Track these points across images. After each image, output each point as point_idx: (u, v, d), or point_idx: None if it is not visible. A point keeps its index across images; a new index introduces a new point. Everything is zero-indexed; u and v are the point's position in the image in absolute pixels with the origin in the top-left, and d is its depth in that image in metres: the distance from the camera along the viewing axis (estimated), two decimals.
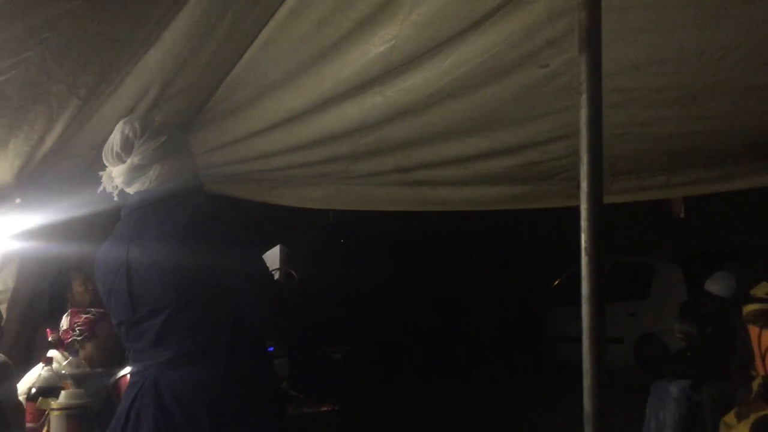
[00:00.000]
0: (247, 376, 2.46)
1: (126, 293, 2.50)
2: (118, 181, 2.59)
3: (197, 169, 2.69)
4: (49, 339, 3.86)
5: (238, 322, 2.47)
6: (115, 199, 2.64)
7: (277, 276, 2.74)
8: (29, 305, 4.27)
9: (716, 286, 6.16)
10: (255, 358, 2.53)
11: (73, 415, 3.04)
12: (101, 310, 3.95)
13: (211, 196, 2.66)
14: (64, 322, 3.84)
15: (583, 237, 2.38)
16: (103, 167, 2.66)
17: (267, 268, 2.57)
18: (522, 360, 13.34)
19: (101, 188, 2.64)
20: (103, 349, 3.79)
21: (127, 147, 2.56)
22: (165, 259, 2.42)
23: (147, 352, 2.50)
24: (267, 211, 4.94)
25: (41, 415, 3.19)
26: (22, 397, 3.48)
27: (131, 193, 2.60)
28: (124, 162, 2.57)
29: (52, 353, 3.65)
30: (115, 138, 2.58)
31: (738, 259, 7.27)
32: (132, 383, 2.56)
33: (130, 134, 2.55)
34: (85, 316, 3.86)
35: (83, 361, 3.69)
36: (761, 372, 4.85)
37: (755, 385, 4.95)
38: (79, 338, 3.78)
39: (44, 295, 4.43)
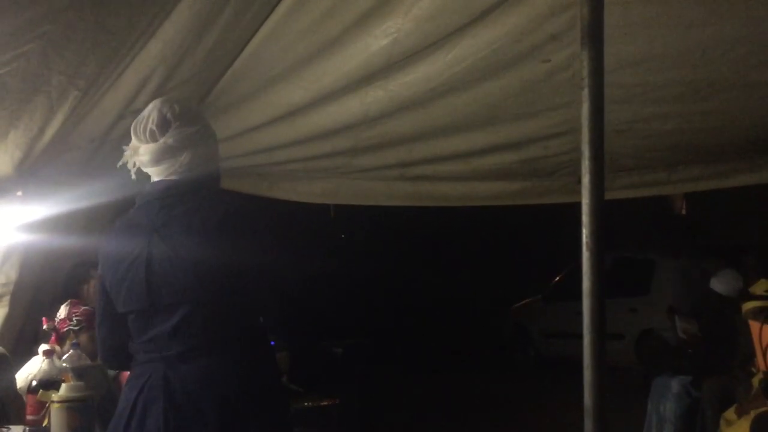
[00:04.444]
0: (256, 372, 2.45)
1: (144, 283, 2.44)
2: (145, 159, 2.50)
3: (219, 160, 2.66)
4: (44, 327, 3.86)
5: (249, 319, 2.47)
6: (133, 177, 2.56)
7: None
8: (34, 298, 4.27)
9: (721, 285, 6.17)
10: (263, 355, 2.52)
11: (74, 407, 3.03)
12: None
13: (241, 194, 2.64)
14: (62, 311, 3.85)
15: (585, 233, 2.38)
16: (103, 159, 2.65)
17: (290, 270, 2.53)
18: (522, 354, 13.35)
19: (121, 162, 2.55)
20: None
21: (163, 126, 2.48)
22: (192, 254, 2.38)
23: (156, 344, 2.45)
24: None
25: (42, 407, 3.19)
26: (22, 389, 3.48)
27: (154, 176, 2.53)
28: (156, 141, 2.48)
29: (45, 346, 3.65)
30: (152, 115, 2.49)
31: (737, 256, 7.27)
32: (136, 375, 2.50)
33: (169, 114, 2.48)
34: (84, 307, 3.86)
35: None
36: (762, 368, 4.86)
37: (756, 381, 4.96)
38: (75, 328, 3.78)
39: (48, 288, 4.43)
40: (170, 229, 2.44)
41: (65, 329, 3.80)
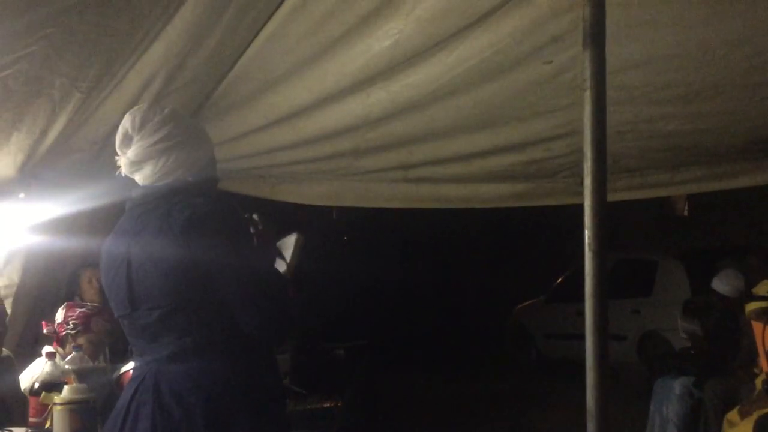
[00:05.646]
0: (245, 373, 2.43)
1: (125, 288, 2.48)
2: (124, 171, 2.57)
3: (210, 159, 2.61)
4: (44, 331, 3.87)
5: (232, 321, 2.45)
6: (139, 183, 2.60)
7: (285, 267, 2.69)
8: (36, 300, 4.28)
9: (722, 285, 6.17)
10: (254, 356, 2.50)
11: (77, 409, 3.04)
12: (97, 306, 3.96)
13: (216, 194, 2.61)
14: (59, 315, 3.85)
15: (587, 234, 2.38)
16: (106, 161, 2.66)
17: (265, 271, 2.48)
18: (524, 355, 13.34)
19: (118, 172, 2.60)
20: (96, 343, 3.79)
21: (125, 141, 2.52)
22: (162, 258, 2.39)
23: (147, 347, 2.49)
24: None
25: (44, 409, 3.20)
26: (25, 391, 3.49)
27: (139, 183, 2.57)
28: (125, 155, 2.53)
29: (48, 348, 3.65)
30: (119, 130, 2.54)
31: (737, 256, 7.28)
32: (133, 378, 2.55)
33: (129, 129, 2.51)
34: (80, 310, 3.85)
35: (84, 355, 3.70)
36: (765, 369, 4.86)
37: (759, 382, 4.95)
38: (72, 332, 3.78)
39: (51, 290, 4.44)
40: (145, 235, 2.46)
41: (63, 333, 3.80)
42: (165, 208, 2.45)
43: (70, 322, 3.81)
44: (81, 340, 3.77)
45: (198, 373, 2.40)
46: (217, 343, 2.42)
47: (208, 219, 2.40)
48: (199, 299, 2.39)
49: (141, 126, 2.50)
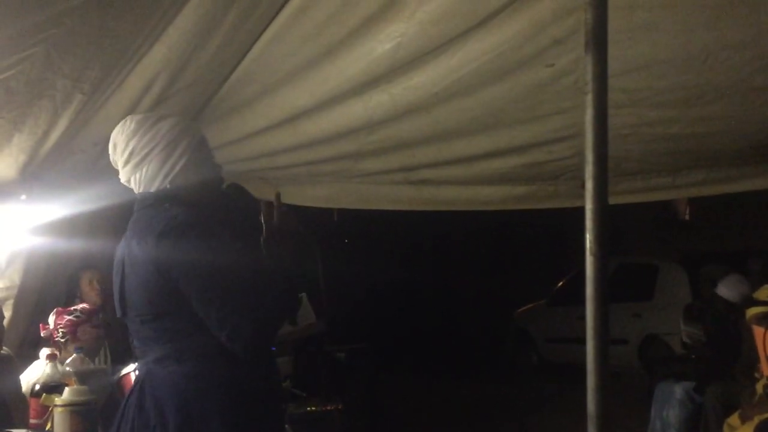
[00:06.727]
0: (229, 380, 2.41)
1: (119, 293, 2.51)
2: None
3: (189, 161, 2.51)
4: (42, 334, 3.86)
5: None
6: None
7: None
8: (37, 301, 4.28)
9: (728, 290, 6.17)
10: (241, 362, 2.42)
11: (77, 411, 3.04)
12: (87, 309, 3.94)
13: (205, 199, 2.55)
14: (51, 321, 3.84)
15: (588, 237, 2.38)
16: (107, 163, 2.66)
17: (245, 283, 2.40)
18: (525, 359, 13.34)
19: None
20: (86, 350, 3.77)
21: (114, 165, 2.59)
22: (140, 267, 2.41)
23: (141, 350, 2.52)
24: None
25: (45, 411, 3.20)
26: (26, 393, 3.49)
27: None
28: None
29: (47, 350, 3.65)
30: None
31: (731, 261, 7.28)
32: (135, 379, 2.61)
33: (111, 152, 2.57)
34: (68, 317, 3.83)
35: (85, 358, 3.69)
36: (765, 373, 4.85)
37: (759, 386, 4.94)
38: (62, 340, 3.77)
39: (52, 291, 4.44)
40: (133, 241, 2.48)
41: (56, 339, 3.80)
42: (149, 215, 2.47)
43: (60, 330, 3.80)
44: (70, 348, 3.76)
45: (177, 378, 2.40)
46: (198, 350, 2.41)
47: (179, 231, 2.38)
48: (175, 309, 2.39)
49: (114, 148, 2.56)
